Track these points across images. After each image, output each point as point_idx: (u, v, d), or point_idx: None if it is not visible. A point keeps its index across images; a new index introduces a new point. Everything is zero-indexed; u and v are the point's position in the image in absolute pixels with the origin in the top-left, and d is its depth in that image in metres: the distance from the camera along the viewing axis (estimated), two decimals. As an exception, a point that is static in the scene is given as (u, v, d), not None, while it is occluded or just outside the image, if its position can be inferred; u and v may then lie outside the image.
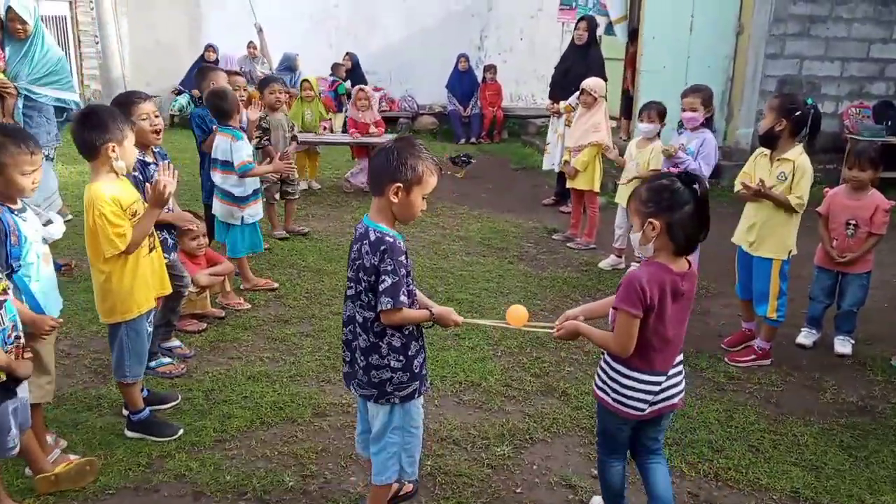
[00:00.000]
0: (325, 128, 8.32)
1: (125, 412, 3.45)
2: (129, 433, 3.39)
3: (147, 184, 3.52)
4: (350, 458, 3.28)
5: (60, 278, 5.09)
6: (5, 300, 2.55)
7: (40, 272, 2.87)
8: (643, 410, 2.53)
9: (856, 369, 4.38)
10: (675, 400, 2.60)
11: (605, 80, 7.03)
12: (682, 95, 5.15)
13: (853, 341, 4.59)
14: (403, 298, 2.48)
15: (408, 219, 2.58)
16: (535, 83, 13.45)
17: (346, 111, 9.85)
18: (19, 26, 5.56)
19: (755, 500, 3.10)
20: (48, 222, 2.97)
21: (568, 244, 6.72)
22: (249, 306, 4.98)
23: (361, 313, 2.56)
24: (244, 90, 5.73)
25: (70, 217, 6.19)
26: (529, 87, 13.80)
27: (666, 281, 2.41)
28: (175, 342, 4.27)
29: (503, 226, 7.31)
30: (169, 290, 3.52)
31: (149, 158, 3.72)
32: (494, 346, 4.46)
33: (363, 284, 2.51)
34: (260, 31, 11.67)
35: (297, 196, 6.77)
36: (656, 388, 2.52)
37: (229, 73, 6.12)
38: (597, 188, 6.56)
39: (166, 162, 3.28)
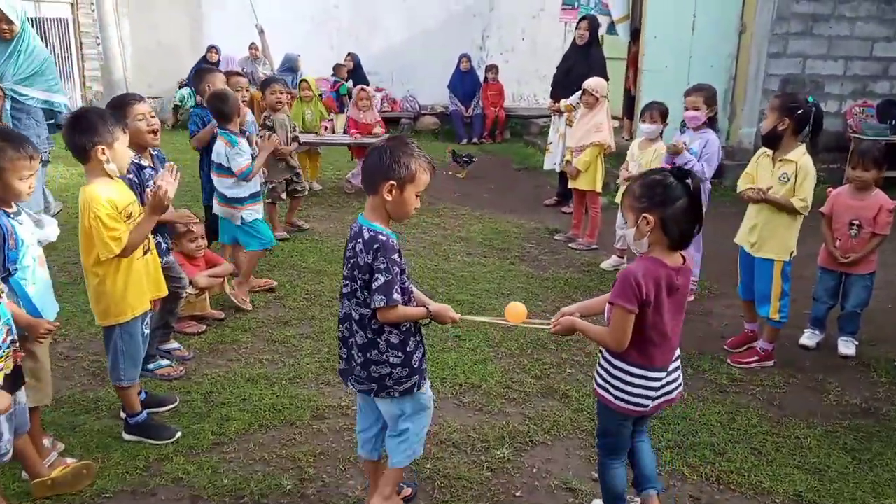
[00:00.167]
0: (326, 128, 8.31)
1: (123, 415, 3.43)
2: (126, 436, 3.38)
3: (144, 187, 3.50)
4: (348, 461, 3.26)
5: (57, 280, 5.10)
6: None
7: (36, 275, 2.86)
8: (647, 406, 2.54)
9: (859, 371, 4.34)
10: (674, 395, 2.63)
11: (607, 79, 7.00)
12: (685, 94, 5.12)
13: (857, 342, 4.55)
14: (396, 296, 2.50)
15: (402, 217, 2.61)
16: (537, 83, 13.42)
17: (347, 112, 9.83)
18: (5, 26, 5.52)
19: (757, 504, 3.08)
20: (38, 223, 2.95)
21: (570, 245, 6.69)
22: (251, 307, 4.96)
23: (358, 310, 2.59)
24: (246, 91, 5.70)
25: (60, 208, 6.17)
26: (531, 87, 13.77)
27: (661, 276, 2.41)
28: (174, 344, 4.25)
29: (505, 226, 7.29)
30: (165, 292, 3.50)
31: (145, 161, 3.70)
32: (495, 348, 4.43)
33: (358, 282, 2.55)
34: (261, 32, 11.67)
35: (304, 193, 6.87)
36: (657, 384, 2.53)
37: (232, 73, 6.12)
38: (599, 188, 6.53)
39: (170, 164, 3.24)
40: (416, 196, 2.58)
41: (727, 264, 5.35)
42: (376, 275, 2.48)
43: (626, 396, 2.53)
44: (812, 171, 4.08)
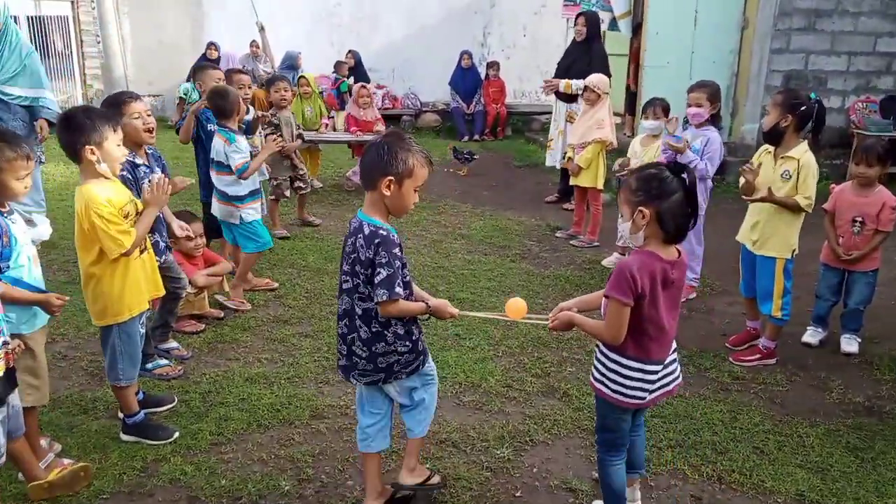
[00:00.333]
0: (326, 125, 8.29)
1: (120, 415, 3.41)
2: (124, 437, 3.36)
3: (139, 184, 3.48)
4: (347, 461, 3.23)
5: (56, 278, 5.09)
6: None
7: (32, 274, 2.84)
8: (644, 399, 2.54)
9: (863, 368, 4.30)
10: (671, 387, 2.64)
11: (609, 76, 6.95)
12: (688, 91, 5.08)
13: (860, 340, 4.52)
14: (399, 290, 2.54)
15: (400, 212, 2.65)
16: (539, 80, 13.27)
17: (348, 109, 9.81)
18: None
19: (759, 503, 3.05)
20: (30, 222, 2.94)
21: (571, 242, 6.66)
22: (249, 307, 4.94)
23: (361, 305, 2.63)
24: (248, 88, 5.68)
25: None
26: (533, 84, 13.68)
27: (656, 269, 2.42)
28: (172, 343, 4.23)
29: (506, 223, 7.26)
30: (162, 291, 3.48)
31: (139, 160, 3.68)
32: (495, 347, 4.41)
33: (360, 277, 2.59)
34: (262, 29, 11.63)
35: (307, 190, 6.88)
36: (654, 377, 2.54)
37: (234, 71, 6.09)
38: (600, 185, 6.50)
39: (162, 175, 3.24)
40: (415, 191, 2.61)
41: (729, 261, 5.32)
42: (378, 269, 2.52)
43: (622, 389, 2.53)
44: (814, 168, 4.05)
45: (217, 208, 4.96)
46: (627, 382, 2.52)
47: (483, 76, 12.58)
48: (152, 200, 3.22)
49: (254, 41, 11.92)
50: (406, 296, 2.61)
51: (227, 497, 2.99)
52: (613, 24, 9.87)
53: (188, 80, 12.25)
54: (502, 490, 3.08)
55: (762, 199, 4.11)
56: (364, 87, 8.68)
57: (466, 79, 12.41)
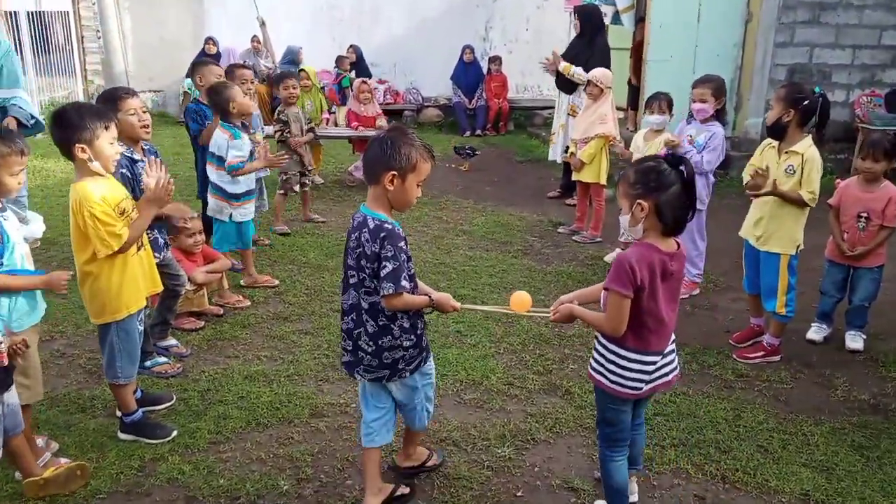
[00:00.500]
0: (327, 120, 8.26)
1: (118, 414, 3.38)
2: (121, 435, 3.33)
3: (138, 181, 3.44)
4: (347, 460, 3.20)
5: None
6: None
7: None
8: (640, 389, 2.56)
9: (868, 365, 4.26)
10: (670, 377, 2.65)
11: (610, 69, 6.89)
12: (693, 86, 5.02)
13: (865, 336, 4.47)
14: (405, 283, 2.56)
15: (403, 206, 2.66)
16: (541, 74, 13.16)
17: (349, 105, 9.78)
18: None
19: (763, 503, 3.01)
20: (23, 220, 2.91)
21: (573, 238, 6.62)
22: (249, 304, 4.91)
23: (367, 299, 2.64)
24: (251, 83, 5.65)
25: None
26: (535, 79, 13.63)
27: (655, 261, 2.44)
28: (172, 341, 4.20)
29: (507, 219, 7.21)
30: (160, 287, 3.45)
31: (137, 155, 3.64)
32: (497, 343, 4.37)
33: (366, 271, 2.60)
34: (262, 24, 11.60)
35: (309, 187, 6.88)
36: (651, 368, 2.55)
37: (237, 66, 6.06)
38: (603, 181, 6.46)
39: (153, 158, 3.19)
40: (418, 185, 2.63)
41: (732, 257, 5.28)
42: (384, 263, 2.53)
43: (621, 380, 2.55)
44: (819, 163, 4.00)
45: (209, 202, 4.93)
46: (626, 373, 2.54)
47: (485, 71, 12.52)
48: (153, 199, 3.14)
49: (255, 36, 11.89)
50: (411, 289, 2.63)
51: (225, 497, 2.96)
52: (616, 18, 9.81)
53: (188, 76, 12.25)
54: (503, 490, 3.04)
55: (764, 193, 4.06)
56: (365, 82, 8.64)
57: (468, 73, 12.36)
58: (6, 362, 2.55)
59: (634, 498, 2.94)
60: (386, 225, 2.56)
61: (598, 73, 6.44)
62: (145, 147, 3.74)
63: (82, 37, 12.31)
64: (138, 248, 3.21)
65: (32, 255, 3.04)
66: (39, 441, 3.14)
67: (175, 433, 3.35)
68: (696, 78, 5.11)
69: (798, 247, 4.13)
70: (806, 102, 3.95)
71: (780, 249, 4.11)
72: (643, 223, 2.46)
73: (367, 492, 2.86)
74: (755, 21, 8.76)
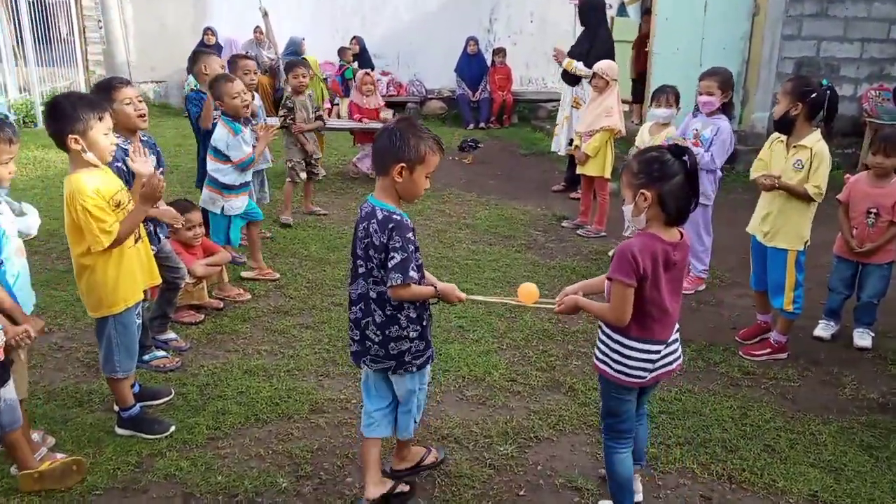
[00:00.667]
0: (329, 111, 8.20)
1: (116, 408, 3.33)
2: (119, 430, 3.29)
3: (133, 173, 3.38)
4: (346, 457, 3.16)
5: (55, 267, 5.02)
6: None
7: (16, 266, 2.75)
8: (644, 378, 2.57)
9: (876, 363, 4.20)
10: (674, 366, 2.66)
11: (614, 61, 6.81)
12: (700, 79, 4.95)
13: (873, 334, 4.41)
14: (413, 273, 2.56)
15: (412, 198, 2.68)
16: (546, 66, 13.18)
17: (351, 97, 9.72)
18: None
19: (771, 504, 2.96)
20: (20, 213, 2.85)
21: (577, 232, 6.56)
22: (249, 297, 4.86)
23: (375, 289, 2.64)
24: (253, 74, 5.58)
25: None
26: (540, 71, 13.55)
27: (658, 250, 2.44)
28: (171, 335, 4.15)
29: (511, 213, 7.15)
30: (158, 280, 3.40)
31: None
32: (500, 339, 4.32)
33: (374, 261, 2.61)
34: (265, 14, 11.52)
35: (318, 177, 6.84)
36: (656, 357, 2.55)
37: (239, 57, 6.01)
38: (608, 174, 6.39)
39: (135, 145, 3.12)
40: (426, 177, 2.63)
41: (739, 252, 5.22)
42: (392, 253, 2.54)
43: (625, 369, 2.55)
44: (827, 158, 3.93)
45: (203, 192, 4.88)
46: (630, 363, 2.54)
47: (489, 63, 12.43)
48: (146, 197, 3.07)
49: (257, 27, 11.80)
50: (419, 279, 2.63)
51: (222, 494, 2.91)
52: (622, 10, 9.72)
53: (188, 69, 12.19)
54: (505, 488, 2.99)
55: (772, 187, 4.00)
56: (368, 73, 8.56)
57: (472, 65, 12.26)
58: (2, 357, 2.50)
59: (639, 497, 2.89)
60: (394, 216, 2.57)
61: (603, 65, 6.37)
62: (143, 138, 3.68)
63: (84, 27, 12.23)
64: (136, 241, 3.15)
65: (33, 246, 2.99)
66: (36, 436, 3.10)
67: (173, 428, 3.30)
68: (702, 71, 5.04)
69: (805, 243, 4.06)
70: (814, 96, 3.87)
71: (788, 245, 4.05)
72: (646, 213, 2.46)
73: (368, 481, 2.82)
74: (762, 14, 8.66)
